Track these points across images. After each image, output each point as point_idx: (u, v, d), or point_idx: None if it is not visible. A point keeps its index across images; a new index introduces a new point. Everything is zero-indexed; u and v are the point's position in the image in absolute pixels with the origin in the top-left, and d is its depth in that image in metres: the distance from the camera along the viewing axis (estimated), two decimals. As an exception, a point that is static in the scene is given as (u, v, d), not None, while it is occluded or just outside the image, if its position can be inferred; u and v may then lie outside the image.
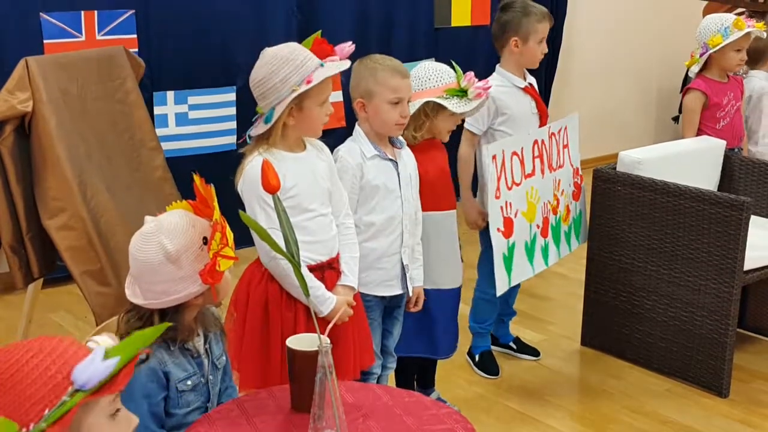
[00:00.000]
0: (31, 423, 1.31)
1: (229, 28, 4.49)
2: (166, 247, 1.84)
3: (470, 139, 3.22)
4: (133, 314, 1.93)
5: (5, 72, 3.09)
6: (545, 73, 5.82)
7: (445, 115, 2.75)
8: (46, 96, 2.81)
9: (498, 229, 2.99)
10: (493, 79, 3.18)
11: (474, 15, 5.33)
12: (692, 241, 3.26)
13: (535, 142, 3.18)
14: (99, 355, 1.36)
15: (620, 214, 3.46)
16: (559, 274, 4.39)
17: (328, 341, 1.86)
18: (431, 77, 2.76)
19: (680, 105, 4.02)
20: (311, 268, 2.34)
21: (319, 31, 2.40)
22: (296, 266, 1.78)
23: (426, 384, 3.11)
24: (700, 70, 3.79)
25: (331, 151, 2.55)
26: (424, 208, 2.75)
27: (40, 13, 3.98)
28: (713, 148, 3.73)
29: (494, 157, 2.96)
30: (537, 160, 3.20)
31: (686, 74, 5.56)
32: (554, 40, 5.82)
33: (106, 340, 1.46)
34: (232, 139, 4.52)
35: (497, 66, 3.29)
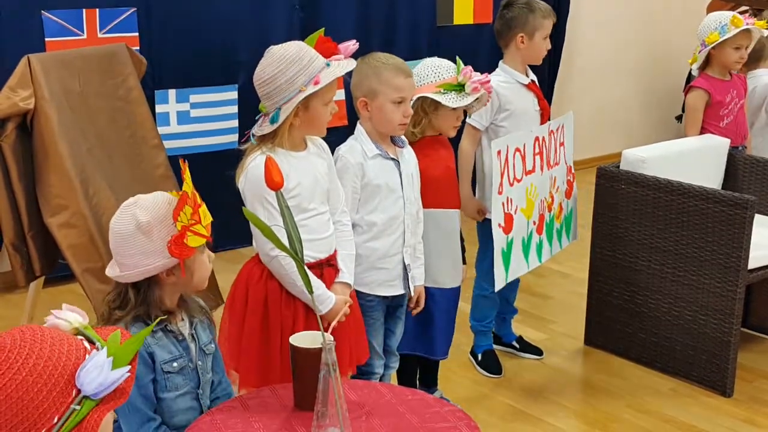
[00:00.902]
0: (43, 429, 1.29)
1: (231, 26, 4.48)
2: (138, 217, 1.90)
3: (472, 134, 3.21)
4: (112, 292, 1.97)
5: (7, 70, 3.08)
6: (548, 71, 5.80)
7: (445, 110, 2.74)
8: (48, 93, 2.80)
9: (499, 225, 2.98)
10: (497, 75, 3.18)
11: (476, 13, 5.32)
12: (696, 239, 3.25)
13: (536, 138, 3.18)
14: (105, 362, 1.34)
15: (624, 212, 3.45)
16: (562, 272, 4.39)
17: (332, 338, 1.85)
18: (429, 73, 2.75)
19: (683, 104, 4.01)
20: (310, 266, 2.34)
21: (323, 29, 2.39)
22: (300, 264, 1.78)
23: (429, 383, 3.10)
24: (702, 68, 3.78)
25: (332, 150, 2.54)
26: (426, 205, 2.73)
27: (42, 11, 3.97)
28: (717, 146, 3.72)
29: (499, 152, 2.95)
30: (537, 157, 3.19)
31: (689, 73, 5.55)
32: (557, 37, 5.80)
33: (73, 317, 1.44)
34: (233, 138, 4.51)
35: (500, 62, 3.28)
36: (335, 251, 2.43)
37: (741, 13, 4.47)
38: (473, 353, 3.49)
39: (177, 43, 4.35)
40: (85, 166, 2.87)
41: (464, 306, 3.25)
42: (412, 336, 2.85)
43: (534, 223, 3.22)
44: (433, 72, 2.75)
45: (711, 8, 5.31)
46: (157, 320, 1.86)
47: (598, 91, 6.30)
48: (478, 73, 2.76)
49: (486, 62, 4.03)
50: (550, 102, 5.81)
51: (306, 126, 2.32)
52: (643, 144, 3.74)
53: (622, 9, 6.22)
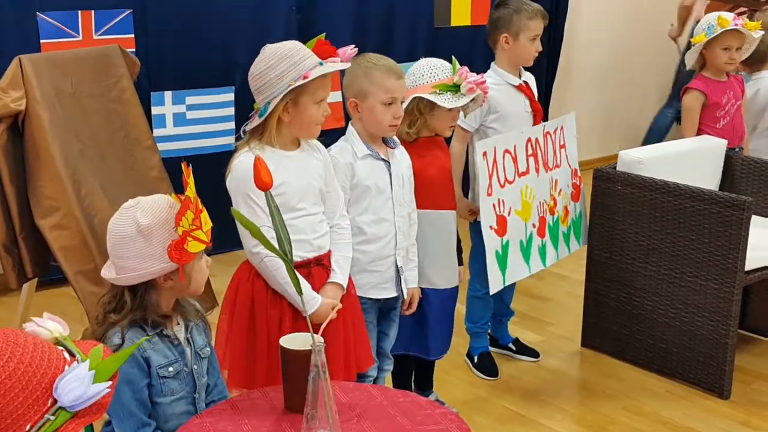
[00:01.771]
0: None
1: (228, 27, 4.46)
2: (138, 220, 1.88)
3: (462, 135, 3.19)
4: (107, 295, 1.95)
5: (1, 72, 3.06)
6: (546, 72, 5.79)
7: (441, 111, 2.72)
8: (39, 94, 2.78)
9: (490, 227, 2.97)
10: (487, 77, 3.16)
11: (474, 14, 5.32)
12: (693, 241, 3.23)
13: (529, 140, 3.16)
14: (87, 375, 1.32)
15: (620, 213, 3.43)
16: (559, 274, 4.37)
17: (322, 340, 1.84)
18: (425, 73, 2.73)
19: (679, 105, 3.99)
20: (297, 266, 2.32)
21: (323, 34, 2.38)
22: (289, 264, 1.76)
23: (424, 386, 3.08)
24: (699, 70, 3.77)
25: (327, 151, 2.53)
26: (421, 206, 2.72)
27: (37, 13, 3.96)
28: (714, 147, 3.70)
29: (485, 153, 2.93)
30: (531, 159, 3.17)
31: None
32: (555, 38, 5.79)
33: (54, 326, 1.43)
34: (230, 140, 4.50)
35: (492, 63, 3.26)
36: (328, 251, 2.41)
37: (739, 14, 4.45)
38: (469, 355, 3.47)
39: (173, 45, 4.34)
40: (78, 168, 2.86)
41: (461, 308, 3.23)
42: (407, 336, 2.83)
43: (534, 225, 3.20)
44: (428, 72, 2.73)
45: (709, 9, 5.30)
46: (143, 339, 1.83)
47: (596, 92, 6.28)
48: (474, 74, 2.74)
49: (483, 64, 4.01)
50: (548, 103, 5.82)
51: (296, 124, 2.31)
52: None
53: (621, 10, 6.20)
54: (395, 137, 2.67)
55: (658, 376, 3.40)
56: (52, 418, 1.29)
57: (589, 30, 6.08)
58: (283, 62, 2.23)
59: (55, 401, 1.31)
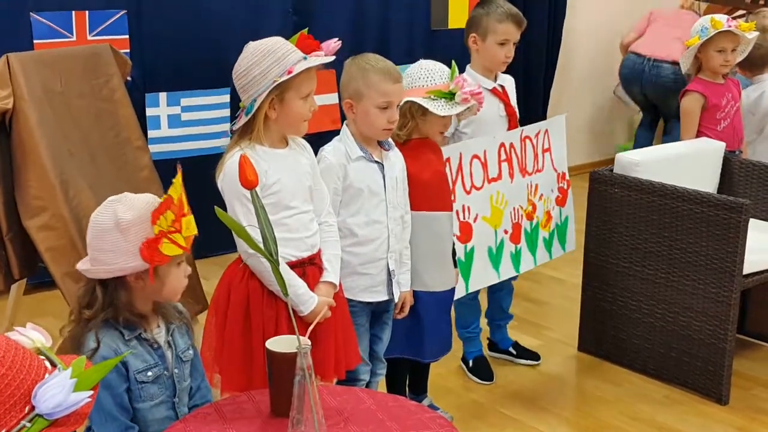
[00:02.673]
0: None
1: (223, 28, 4.43)
2: (118, 213, 1.85)
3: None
4: (82, 288, 1.92)
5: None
6: (544, 76, 5.76)
7: (433, 117, 2.68)
8: (27, 93, 2.75)
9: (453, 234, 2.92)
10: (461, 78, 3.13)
11: (471, 17, 5.28)
12: (690, 244, 3.19)
13: (502, 145, 3.12)
14: (68, 383, 1.29)
15: (617, 216, 3.39)
16: (556, 278, 4.34)
17: (308, 342, 1.80)
18: (422, 77, 2.69)
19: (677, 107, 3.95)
20: (292, 265, 2.30)
21: (306, 29, 2.36)
22: (275, 264, 1.73)
23: (418, 390, 3.04)
24: (695, 74, 3.74)
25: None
26: (415, 207, 2.68)
27: (31, 13, 3.93)
28: (713, 150, 3.66)
29: (448, 159, 2.90)
30: (504, 164, 3.14)
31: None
32: (553, 43, 5.77)
33: (36, 336, 1.40)
34: (225, 142, 4.44)
35: (467, 66, 3.21)
36: (319, 250, 2.39)
37: (736, 17, 4.42)
38: (464, 360, 3.43)
39: (168, 46, 4.30)
40: (66, 167, 2.82)
41: (455, 313, 3.21)
42: (401, 339, 2.80)
43: (506, 231, 3.18)
44: (425, 76, 2.69)
45: (707, 13, 5.28)
46: (121, 357, 1.78)
47: (593, 96, 6.25)
48: (472, 83, 2.71)
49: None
50: (546, 107, 5.79)
51: (283, 121, 2.28)
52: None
53: (618, 13, 6.16)
54: (390, 139, 2.63)
55: (655, 381, 3.36)
56: (29, 424, 1.27)
57: (585, 33, 6.05)
58: (267, 58, 2.20)
59: (32, 408, 1.28)
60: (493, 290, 3.42)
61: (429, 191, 2.75)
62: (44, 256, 2.74)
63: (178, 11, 4.32)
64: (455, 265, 2.91)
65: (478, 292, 3.26)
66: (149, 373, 1.91)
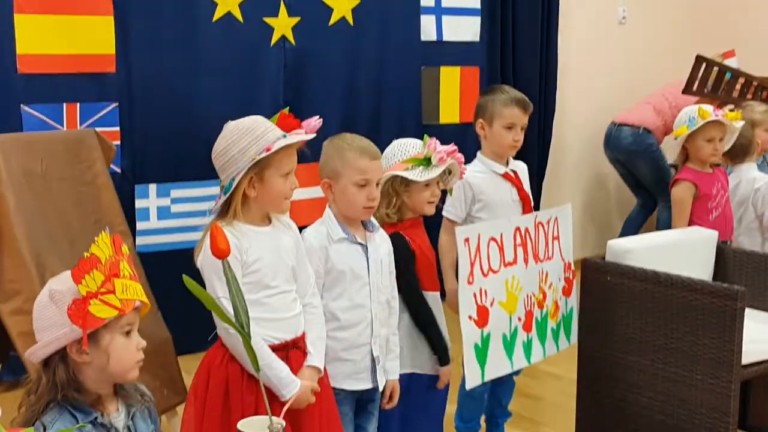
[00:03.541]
0: None
1: (215, 121, 4.37)
2: (51, 286, 1.77)
3: (449, 226, 3.12)
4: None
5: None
6: (537, 160, 5.70)
7: (416, 186, 2.67)
8: (5, 175, 2.72)
9: (470, 317, 2.83)
10: (473, 165, 3.13)
11: (462, 112, 5.33)
12: (686, 333, 3.10)
13: (518, 229, 3.06)
14: None
15: (611, 305, 3.31)
16: (553, 374, 4.22)
17: (282, 423, 1.70)
18: (396, 153, 2.71)
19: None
20: (275, 348, 2.23)
21: (287, 108, 2.35)
22: (245, 337, 1.65)
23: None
24: (682, 164, 3.73)
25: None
26: (425, 287, 2.64)
27: (21, 105, 3.95)
28: (705, 238, 3.61)
29: (467, 240, 2.83)
30: (520, 249, 3.07)
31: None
32: (546, 125, 5.75)
33: None
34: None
35: (478, 152, 3.22)
36: (303, 333, 2.31)
37: (720, 106, 4.44)
38: (457, 456, 3.30)
39: (159, 138, 4.32)
40: (43, 251, 2.77)
41: (450, 408, 3.07)
42: (392, 427, 2.69)
43: (519, 319, 3.07)
44: (400, 151, 2.70)
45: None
46: (72, 429, 1.68)
47: (587, 182, 6.25)
48: (446, 146, 2.69)
49: (471, 160, 3.98)
50: (539, 193, 5.74)
51: (264, 199, 2.25)
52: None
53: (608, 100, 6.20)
54: (374, 221, 2.59)
55: (655, 478, 3.22)
56: None
57: (576, 115, 6.09)
58: (246, 137, 2.19)
59: None
60: (494, 384, 3.29)
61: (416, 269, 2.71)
62: (16, 342, 2.65)
63: (169, 104, 4.35)
64: (447, 361, 2.82)
65: (487, 386, 3.13)
66: None
